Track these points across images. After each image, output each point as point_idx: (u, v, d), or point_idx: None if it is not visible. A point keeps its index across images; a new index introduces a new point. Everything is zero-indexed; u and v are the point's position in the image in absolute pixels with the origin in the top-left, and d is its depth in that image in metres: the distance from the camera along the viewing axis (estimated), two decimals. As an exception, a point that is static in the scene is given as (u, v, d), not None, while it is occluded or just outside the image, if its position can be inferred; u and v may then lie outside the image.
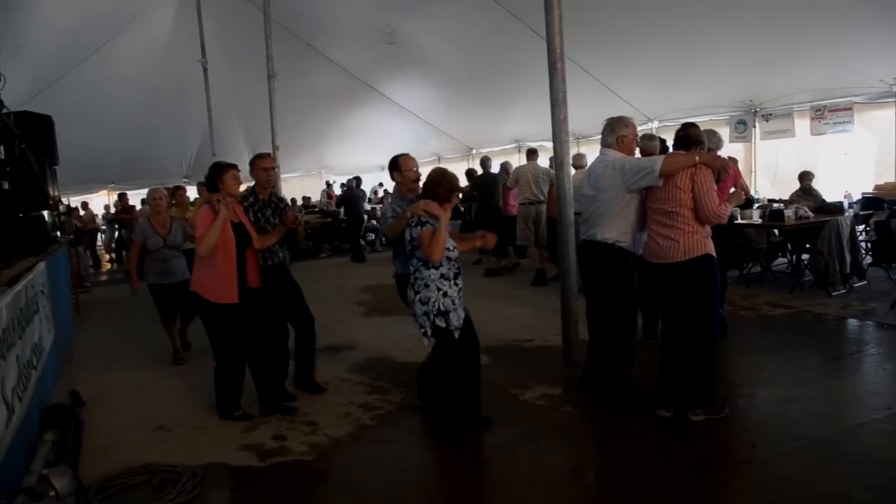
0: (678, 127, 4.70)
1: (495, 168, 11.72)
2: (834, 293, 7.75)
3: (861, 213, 8.88)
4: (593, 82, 12.16)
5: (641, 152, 6.44)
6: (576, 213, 9.17)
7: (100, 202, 19.20)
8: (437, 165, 18.18)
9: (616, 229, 4.61)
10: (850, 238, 7.94)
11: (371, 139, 19.65)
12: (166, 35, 15.12)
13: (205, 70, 14.94)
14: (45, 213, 6.93)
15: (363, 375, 5.97)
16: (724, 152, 6.72)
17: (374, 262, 14.11)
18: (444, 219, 4.27)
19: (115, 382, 6.17)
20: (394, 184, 5.11)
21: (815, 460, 3.84)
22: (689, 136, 4.50)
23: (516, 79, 13.42)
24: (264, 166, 5.30)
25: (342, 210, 15.60)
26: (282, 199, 5.67)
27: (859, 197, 10.05)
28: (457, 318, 4.35)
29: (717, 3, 9.60)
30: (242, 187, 5.18)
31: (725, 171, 4.60)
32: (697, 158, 4.29)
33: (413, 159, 5.03)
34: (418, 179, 4.90)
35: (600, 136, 4.86)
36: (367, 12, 13.66)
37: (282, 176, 11.16)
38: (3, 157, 5.90)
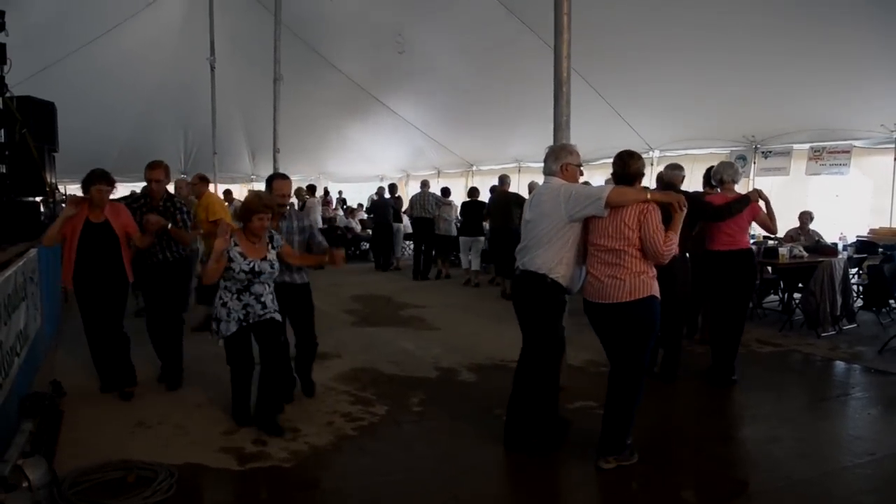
0: (615, 157, 4.33)
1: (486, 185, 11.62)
2: (823, 334, 7.76)
3: (855, 255, 8.92)
4: (598, 106, 12.17)
5: (665, 181, 6.47)
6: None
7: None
8: (434, 180, 18.26)
9: (552, 260, 4.24)
10: (843, 280, 7.97)
11: (371, 149, 19.69)
12: (176, 29, 15.17)
13: (212, 68, 15.00)
14: (41, 199, 6.89)
15: (348, 385, 5.94)
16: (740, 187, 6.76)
17: (364, 273, 14.10)
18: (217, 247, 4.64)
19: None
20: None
21: (797, 502, 3.83)
22: (630, 172, 4.23)
23: (522, 95, 13.33)
24: (150, 178, 5.73)
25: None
26: (176, 204, 5.90)
27: (854, 240, 10.10)
28: (225, 328, 4.78)
29: (728, 36, 9.68)
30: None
31: (681, 208, 4.09)
32: (649, 195, 4.08)
33: (285, 184, 5.50)
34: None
35: (543, 164, 4.55)
36: (379, 18, 13.68)
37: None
38: (3, 140, 5.88)
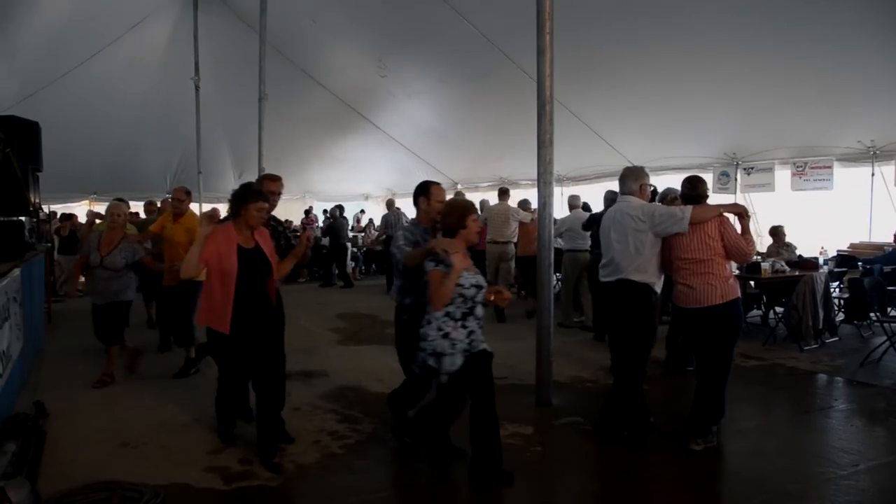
0: (684, 181, 5.10)
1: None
2: (806, 348, 7.84)
3: (835, 269, 9.04)
4: (581, 126, 12.32)
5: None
6: (568, 251, 9.40)
7: (81, 212, 19.02)
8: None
9: (648, 271, 4.83)
10: (824, 294, 8.08)
11: (356, 168, 19.73)
12: (161, 50, 15.16)
13: (196, 88, 15.02)
14: (25, 219, 6.84)
15: (335, 403, 5.92)
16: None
17: (350, 290, 14.09)
18: (458, 265, 3.99)
19: (81, 395, 6.07)
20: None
21: (781, 513, 3.85)
22: (698, 193, 4.93)
23: (505, 118, 13.56)
24: (269, 190, 5.08)
25: (327, 239, 15.60)
26: (280, 223, 5.47)
27: (834, 254, 10.23)
28: (450, 363, 4.02)
29: (707, 54, 9.83)
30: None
31: (747, 215, 4.84)
32: (722, 209, 4.76)
33: (444, 190, 4.82)
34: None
35: (619, 184, 5.11)
36: (361, 44, 13.82)
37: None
38: (-14, 160, 5.86)
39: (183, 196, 7.04)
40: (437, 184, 4.81)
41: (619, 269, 4.89)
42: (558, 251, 8.38)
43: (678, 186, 6.16)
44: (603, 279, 5.09)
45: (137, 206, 13.29)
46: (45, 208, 11.41)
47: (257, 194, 4.54)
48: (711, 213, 4.69)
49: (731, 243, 4.63)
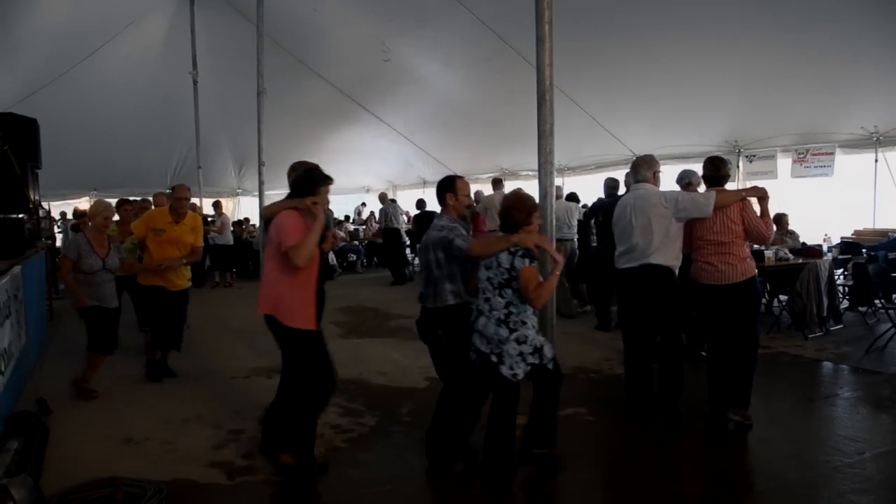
0: (706, 161, 5.26)
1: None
2: (811, 335, 7.83)
3: (839, 257, 9.00)
4: (582, 115, 12.29)
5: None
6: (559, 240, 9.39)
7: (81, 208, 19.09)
8: (419, 190, 18.30)
9: (670, 253, 5.03)
10: (829, 282, 8.05)
11: (357, 160, 19.68)
12: (159, 45, 15.13)
13: (195, 82, 14.99)
14: (24, 216, 6.82)
15: (338, 397, 5.86)
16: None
17: (350, 284, 14.07)
18: (559, 266, 4.08)
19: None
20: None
21: (787, 502, 3.86)
22: (721, 174, 5.13)
23: (506, 106, 13.50)
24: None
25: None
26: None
27: (838, 241, 10.20)
28: (549, 350, 4.09)
29: (707, 42, 9.79)
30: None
31: (767, 196, 5.05)
32: (743, 193, 4.99)
33: (468, 184, 4.67)
34: (471, 206, 4.97)
35: (631, 172, 5.39)
36: (363, 30, 13.75)
37: (266, 193, 11.14)
38: (-15, 158, 5.84)
39: (188, 195, 6.66)
40: (462, 178, 4.69)
41: (643, 255, 5.04)
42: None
43: (681, 174, 6.17)
44: (622, 266, 5.21)
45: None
46: (46, 205, 11.39)
47: (327, 178, 4.27)
48: (734, 199, 4.90)
49: (752, 226, 4.87)
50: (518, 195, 4.30)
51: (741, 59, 9.73)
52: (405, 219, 15.56)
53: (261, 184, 11.29)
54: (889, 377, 6.31)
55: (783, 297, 8.67)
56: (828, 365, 6.87)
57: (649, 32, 10.12)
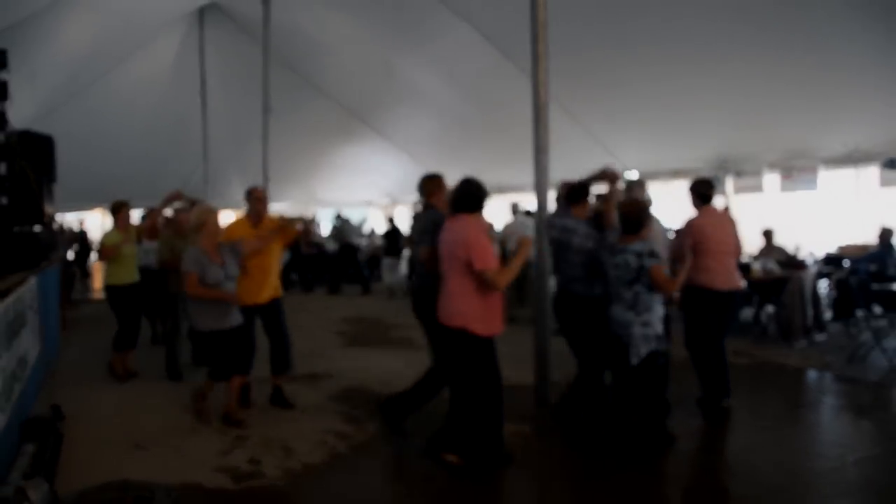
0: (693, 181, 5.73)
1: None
2: (796, 345, 7.99)
3: (823, 269, 9.20)
4: (577, 130, 12.42)
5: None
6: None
7: (94, 219, 19.42)
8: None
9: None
10: (813, 293, 8.25)
11: (358, 174, 19.87)
12: (169, 65, 15.46)
13: (203, 101, 15.33)
14: (40, 228, 6.97)
15: (340, 404, 6.05)
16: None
17: (356, 296, 14.25)
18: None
19: (96, 399, 6.21)
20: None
21: (773, 507, 3.97)
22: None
23: (506, 120, 13.58)
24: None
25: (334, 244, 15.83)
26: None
27: (823, 255, 10.38)
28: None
29: (699, 61, 9.94)
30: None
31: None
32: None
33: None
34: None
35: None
36: (366, 47, 13.95)
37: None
38: (4, 173, 5.99)
39: (265, 195, 6.17)
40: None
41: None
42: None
43: (673, 192, 6.39)
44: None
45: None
46: (60, 217, 11.52)
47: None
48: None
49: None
50: (638, 200, 5.04)
51: (731, 79, 9.89)
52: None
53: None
54: (870, 385, 6.46)
55: (770, 308, 8.88)
56: (812, 373, 7.02)
57: (643, 49, 10.20)
